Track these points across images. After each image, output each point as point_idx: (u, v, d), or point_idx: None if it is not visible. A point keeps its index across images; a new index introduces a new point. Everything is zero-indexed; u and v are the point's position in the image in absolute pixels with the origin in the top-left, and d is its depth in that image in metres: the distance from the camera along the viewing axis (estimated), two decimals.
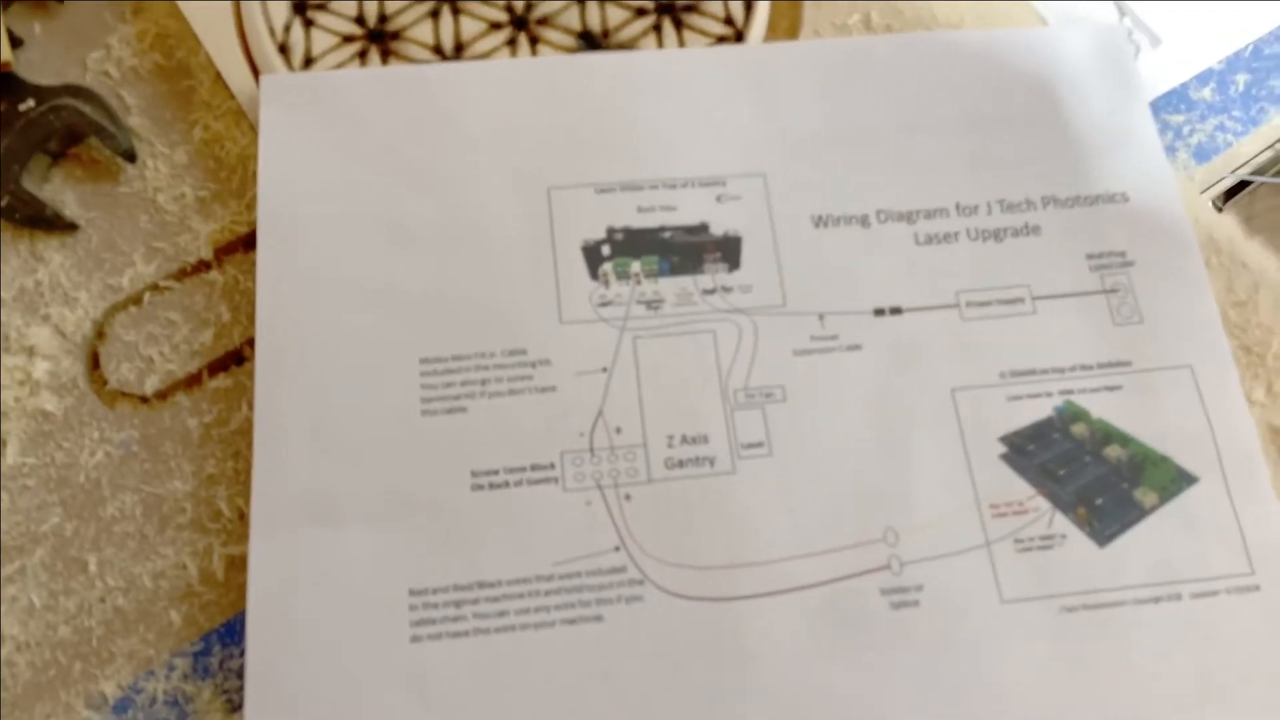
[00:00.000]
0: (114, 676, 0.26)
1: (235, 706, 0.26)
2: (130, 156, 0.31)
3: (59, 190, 0.31)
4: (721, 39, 0.33)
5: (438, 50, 0.32)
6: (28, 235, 0.30)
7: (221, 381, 0.29)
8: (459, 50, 0.32)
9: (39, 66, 0.32)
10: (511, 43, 0.32)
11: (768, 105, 0.32)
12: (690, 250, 0.30)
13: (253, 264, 0.30)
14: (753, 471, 0.28)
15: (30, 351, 0.29)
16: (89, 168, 0.31)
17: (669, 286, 0.29)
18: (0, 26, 0.31)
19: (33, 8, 0.33)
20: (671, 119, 0.31)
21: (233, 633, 0.27)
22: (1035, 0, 0.35)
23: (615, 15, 0.33)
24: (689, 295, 0.29)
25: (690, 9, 0.33)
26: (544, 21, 0.33)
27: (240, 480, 0.28)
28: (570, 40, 0.32)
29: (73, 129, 0.31)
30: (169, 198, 0.31)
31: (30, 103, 0.31)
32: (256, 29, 0.32)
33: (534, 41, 0.32)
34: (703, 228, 0.30)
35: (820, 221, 0.30)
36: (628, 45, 0.32)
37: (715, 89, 0.32)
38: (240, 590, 0.27)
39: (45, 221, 0.30)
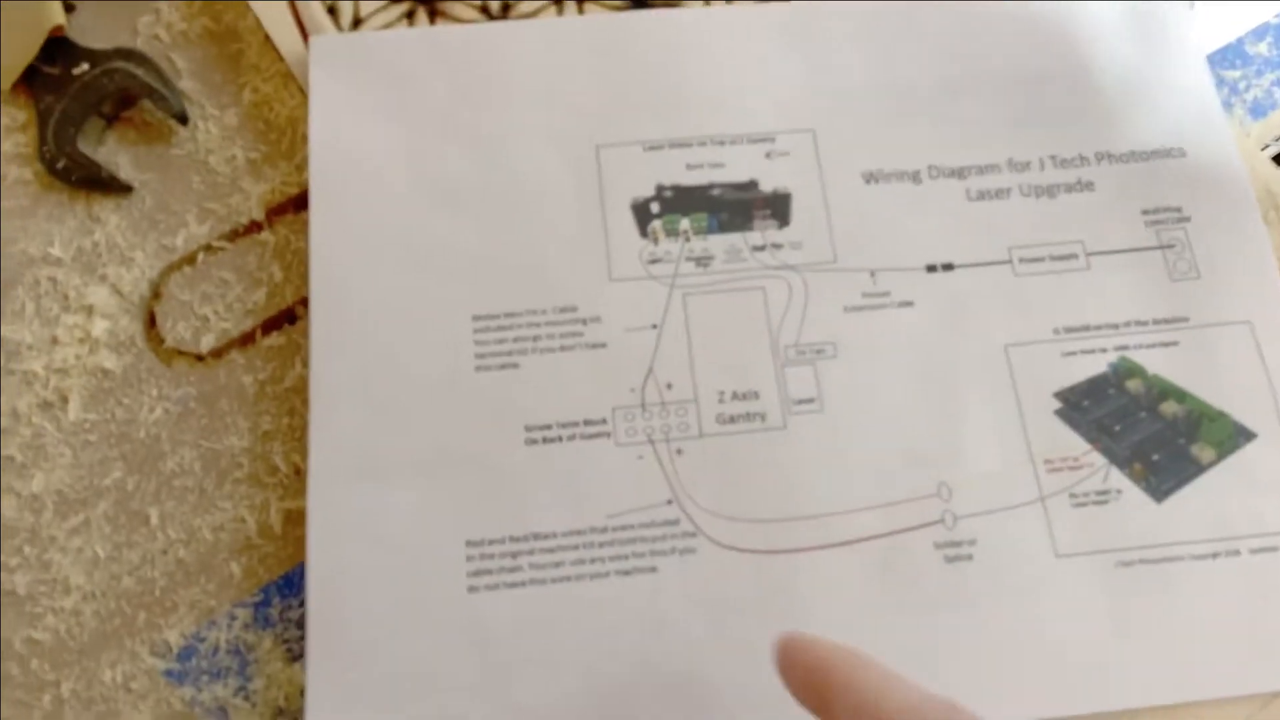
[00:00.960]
0: (177, 626, 0.27)
1: (295, 656, 0.27)
2: (183, 119, 0.31)
3: (113, 152, 0.31)
4: None
5: (485, 10, 0.32)
6: (84, 197, 0.31)
7: (275, 340, 0.30)
8: (506, 10, 0.32)
9: (91, 31, 0.32)
10: (558, 1, 0.32)
11: (816, 62, 0.31)
12: (740, 207, 0.30)
13: (303, 224, 0.30)
14: (804, 427, 0.28)
15: (89, 310, 0.30)
16: (142, 130, 0.32)
17: (718, 243, 0.29)
18: None
19: None
20: (719, 76, 0.31)
21: (291, 584, 0.27)
22: None
23: None
24: (738, 252, 0.29)
25: None
26: None
27: (295, 436, 0.29)
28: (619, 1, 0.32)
29: (126, 92, 0.31)
30: (220, 159, 0.31)
31: (84, 66, 0.31)
32: None
33: (580, 0, 0.32)
34: (752, 184, 0.30)
35: (870, 178, 0.30)
36: (672, 2, 0.32)
37: (763, 46, 0.31)
38: (298, 543, 0.28)
39: (101, 183, 0.31)
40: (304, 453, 0.28)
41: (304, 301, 0.30)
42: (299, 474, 0.28)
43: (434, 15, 0.32)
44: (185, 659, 0.27)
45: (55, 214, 0.31)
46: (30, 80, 0.31)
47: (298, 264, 0.30)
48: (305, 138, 0.31)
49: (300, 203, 0.31)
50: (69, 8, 0.33)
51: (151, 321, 0.30)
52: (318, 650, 0.25)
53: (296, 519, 0.28)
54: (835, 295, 0.29)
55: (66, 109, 0.31)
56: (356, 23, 0.32)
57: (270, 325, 0.30)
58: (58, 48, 0.31)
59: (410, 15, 0.32)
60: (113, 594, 0.27)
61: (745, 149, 0.30)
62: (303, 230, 0.30)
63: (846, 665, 0.19)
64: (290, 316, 0.30)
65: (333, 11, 0.32)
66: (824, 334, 0.29)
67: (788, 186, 0.30)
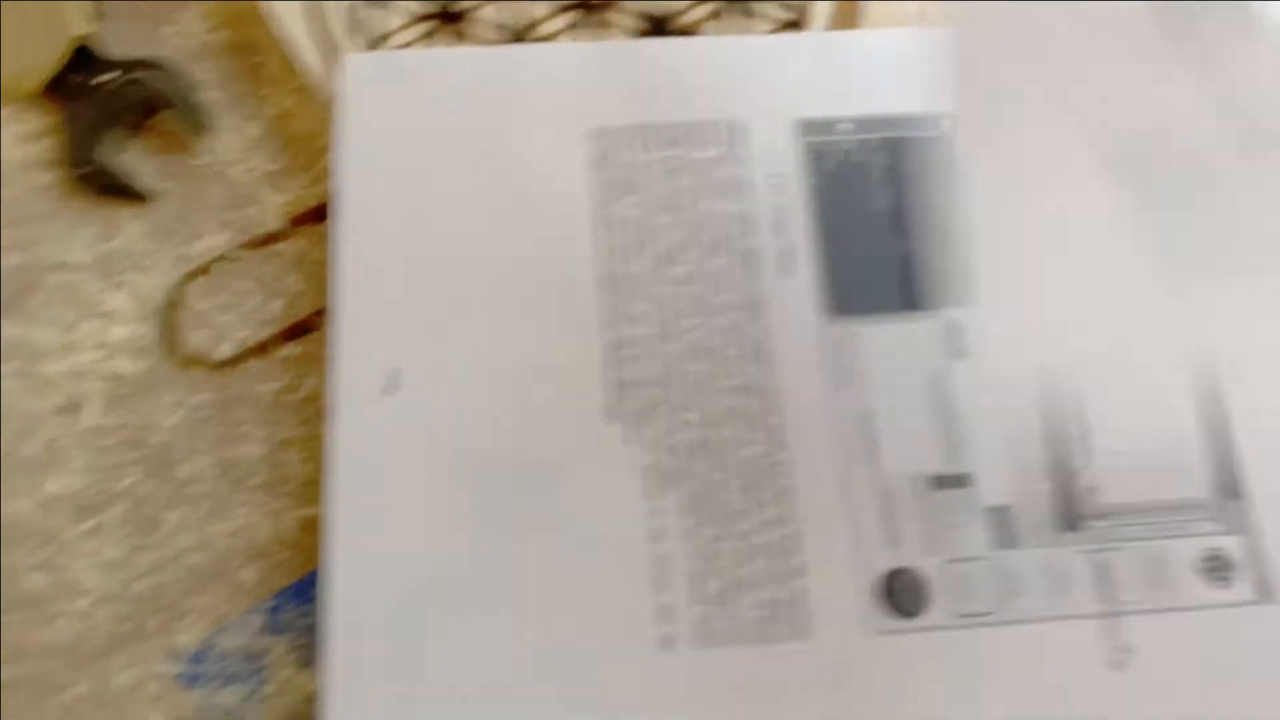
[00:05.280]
0: (190, 630, 0.27)
1: (306, 663, 0.27)
2: (204, 130, 0.32)
3: (134, 161, 0.32)
4: (787, 26, 0.33)
5: (504, 29, 0.33)
6: (105, 204, 0.31)
7: (292, 350, 0.30)
8: (527, 30, 0.33)
9: (114, 40, 0.33)
10: (574, 26, 0.33)
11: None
12: None
13: (320, 236, 0.31)
14: None
15: (107, 316, 0.30)
16: (163, 140, 0.32)
17: None
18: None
19: None
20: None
21: (304, 592, 0.28)
22: None
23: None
24: None
25: None
26: (609, 5, 0.33)
27: (310, 445, 0.29)
28: (636, 24, 0.33)
29: (149, 102, 0.32)
30: (240, 170, 0.32)
31: (107, 76, 0.32)
32: (326, 7, 0.33)
33: (600, 26, 0.33)
34: None
35: None
36: (689, 30, 0.33)
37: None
38: (310, 551, 0.28)
39: (122, 191, 0.31)
40: (320, 462, 0.28)
41: (320, 313, 0.30)
42: (313, 483, 0.29)
43: (456, 34, 0.33)
44: (197, 663, 0.27)
45: (76, 220, 0.31)
46: (55, 88, 0.32)
47: (315, 275, 0.31)
48: (324, 151, 0.31)
49: (319, 214, 0.31)
50: (98, 17, 0.33)
51: (169, 329, 0.30)
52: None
53: (310, 527, 0.28)
54: None
55: (90, 117, 0.31)
56: (378, 40, 0.32)
57: (287, 335, 0.30)
58: (81, 57, 0.32)
59: (431, 35, 0.33)
60: (126, 598, 0.28)
61: None
62: (321, 242, 0.31)
63: None
64: (306, 328, 0.30)
65: (354, 28, 0.32)
66: None
67: None
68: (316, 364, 0.30)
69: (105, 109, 0.31)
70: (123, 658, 0.27)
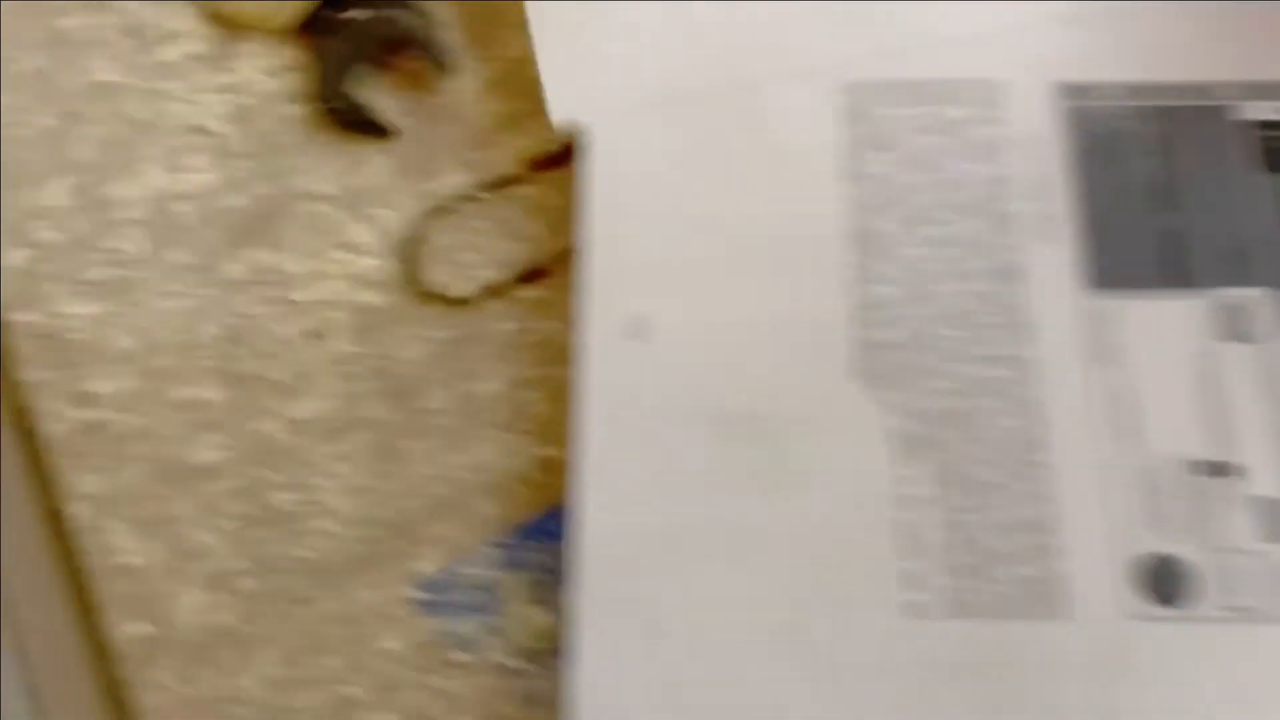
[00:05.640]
0: (429, 558, 0.28)
1: (539, 600, 0.28)
2: (448, 68, 0.32)
3: (379, 98, 0.32)
4: None
5: None
6: (351, 138, 0.32)
7: (530, 292, 0.30)
8: None
9: None
10: None
11: None
12: None
13: (559, 182, 0.31)
14: None
15: (353, 248, 0.31)
16: (408, 77, 0.32)
17: None
18: None
19: None
20: None
21: (540, 530, 0.28)
22: None
23: None
24: None
25: None
26: None
27: (548, 386, 0.29)
28: None
29: (396, 39, 0.32)
30: (481, 111, 0.32)
31: (357, 12, 0.32)
32: None
33: None
34: None
35: None
36: None
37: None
38: (547, 490, 0.28)
39: (368, 126, 0.32)
40: (561, 403, 0.28)
41: (559, 258, 0.30)
42: (552, 423, 0.29)
43: None
44: (437, 591, 0.28)
45: (323, 153, 0.32)
46: (307, 23, 0.32)
47: (553, 220, 0.31)
48: None
49: (558, 159, 0.31)
50: None
51: (412, 264, 0.31)
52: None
53: (548, 466, 0.28)
54: None
55: (340, 52, 0.32)
56: None
57: (525, 278, 0.30)
58: None
59: None
60: (370, 521, 0.28)
61: None
62: (558, 187, 0.31)
63: None
64: (544, 271, 0.30)
65: None
66: None
67: None
68: (553, 308, 0.30)
69: (354, 45, 0.32)
70: (365, 579, 0.28)
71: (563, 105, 0.30)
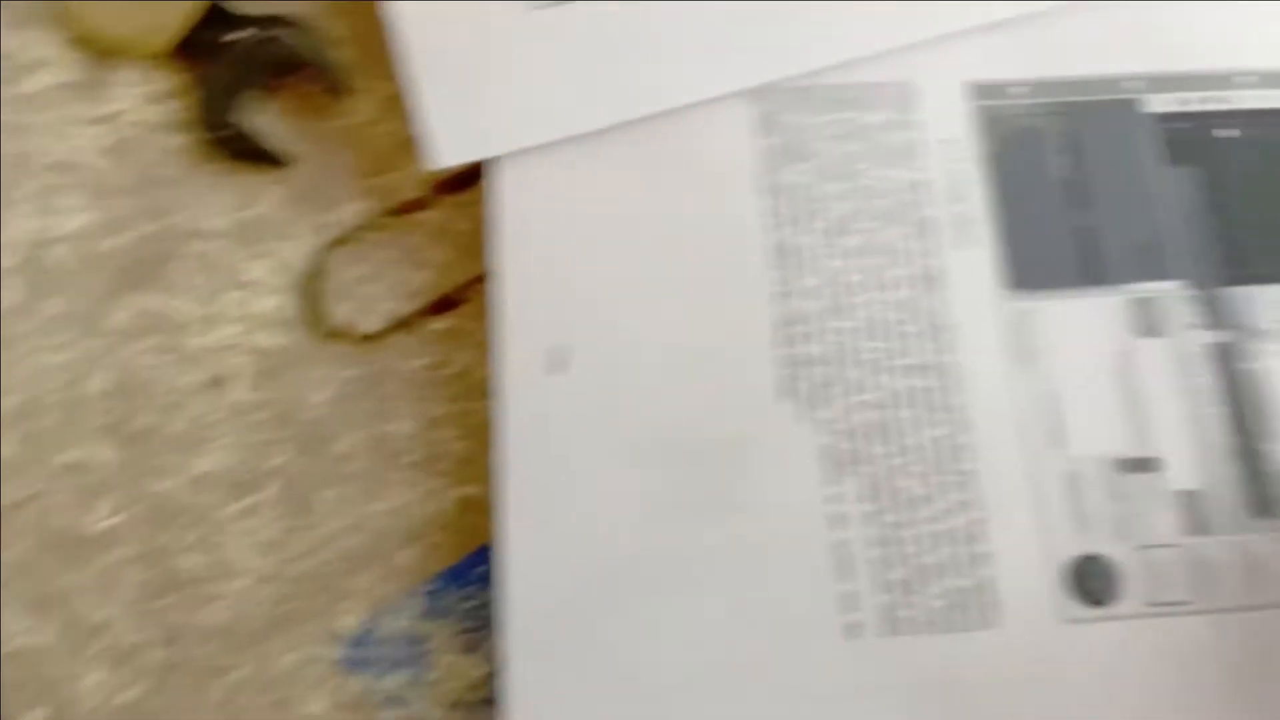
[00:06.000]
0: (350, 613, 0.27)
1: (470, 647, 0.27)
2: (341, 90, 0.30)
3: (269, 124, 0.30)
4: None
5: None
6: (240, 169, 0.30)
7: (440, 323, 0.29)
8: None
9: None
10: None
11: None
12: None
13: (465, 205, 0.30)
14: None
15: (249, 287, 0.29)
16: (298, 100, 0.31)
17: None
18: None
19: None
20: None
21: (463, 574, 0.27)
22: None
23: None
24: None
25: None
26: None
27: (464, 423, 0.28)
28: None
29: (284, 61, 0.30)
30: (378, 134, 0.30)
31: (240, 33, 0.30)
32: None
33: None
34: None
35: None
36: None
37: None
38: (468, 532, 0.27)
39: (259, 155, 0.30)
40: (479, 439, 0.27)
41: (469, 286, 0.29)
42: (469, 461, 0.28)
43: None
44: (360, 647, 0.26)
45: (212, 186, 0.30)
46: (186, 46, 0.30)
47: (462, 245, 0.29)
48: None
49: (464, 181, 0.30)
50: None
51: (313, 301, 0.29)
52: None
53: (470, 506, 0.27)
54: None
55: (224, 77, 0.30)
56: None
57: (435, 309, 0.29)
58: (214, 12, 0.30)
59: None
60: (284, 579, 0.27)
61: None
62: (465, 211, 0.30)
63: None
64: (455, 300, 0.29)
65: None
66: None
67: None
68: (466, 339, 0.29)
69: (239, 68, 0.30)
70: (283, 640, 0.26)
71: (450, 150, 0.28)
